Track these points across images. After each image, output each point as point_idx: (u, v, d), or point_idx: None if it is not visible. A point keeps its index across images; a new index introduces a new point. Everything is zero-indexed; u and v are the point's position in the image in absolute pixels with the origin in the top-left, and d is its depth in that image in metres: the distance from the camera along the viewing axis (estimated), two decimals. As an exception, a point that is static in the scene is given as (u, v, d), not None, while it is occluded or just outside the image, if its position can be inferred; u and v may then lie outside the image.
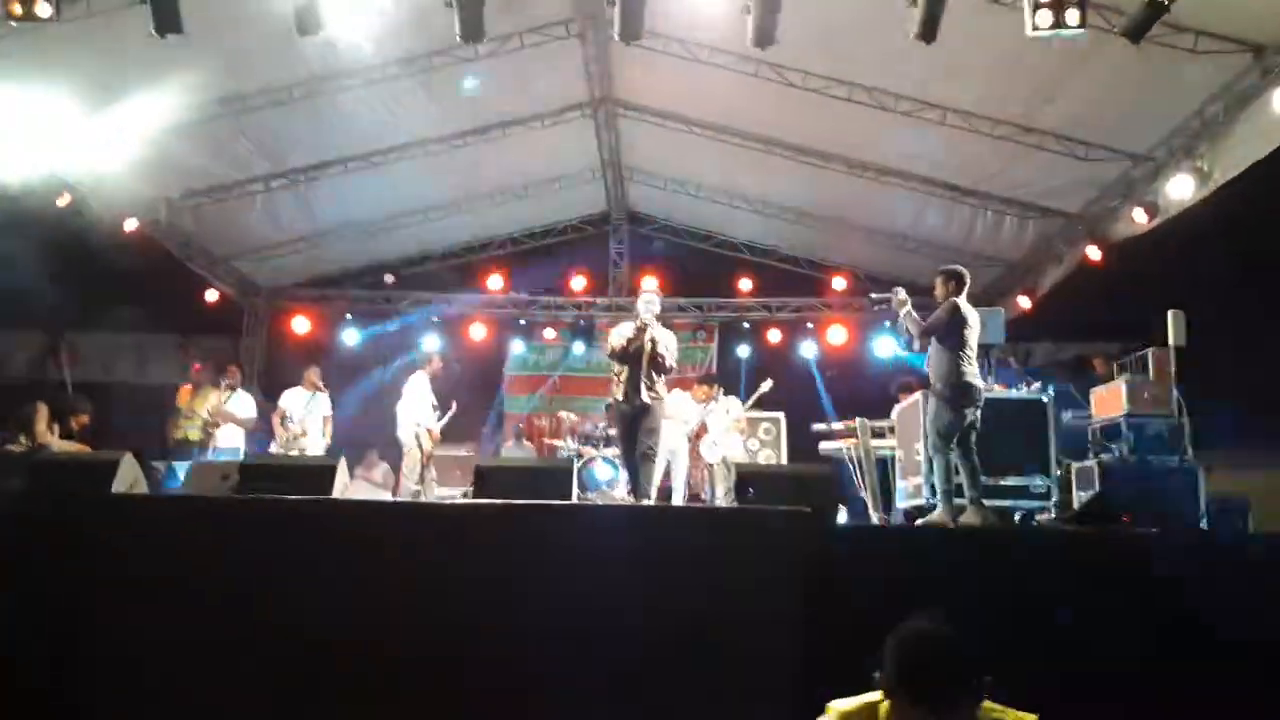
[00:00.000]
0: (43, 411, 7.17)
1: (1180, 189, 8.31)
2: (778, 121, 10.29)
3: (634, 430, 7.12)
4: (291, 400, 9.70)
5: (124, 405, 11.51)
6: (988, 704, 2.19)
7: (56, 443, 7.09)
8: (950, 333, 6.11)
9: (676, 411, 10.02)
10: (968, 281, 6.41)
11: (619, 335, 7.24)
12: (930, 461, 6.35)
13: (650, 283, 7.41)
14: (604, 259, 13.90)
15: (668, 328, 7.49)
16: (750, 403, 10.05)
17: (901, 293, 6.57)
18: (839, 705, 2.32)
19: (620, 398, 7.18)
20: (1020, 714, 2.21)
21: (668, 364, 7.15)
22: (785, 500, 4.48)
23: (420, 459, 9.08)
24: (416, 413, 9.21)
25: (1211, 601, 3.94)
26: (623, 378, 7.16)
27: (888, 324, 13.06)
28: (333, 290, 13.72)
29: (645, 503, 6.96)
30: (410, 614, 3.77)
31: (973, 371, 6.09)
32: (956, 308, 6.18)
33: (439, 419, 9.48)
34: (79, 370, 12.07)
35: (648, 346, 7.09)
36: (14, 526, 4.51)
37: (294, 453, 9.22)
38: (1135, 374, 7.63)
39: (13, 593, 4.21)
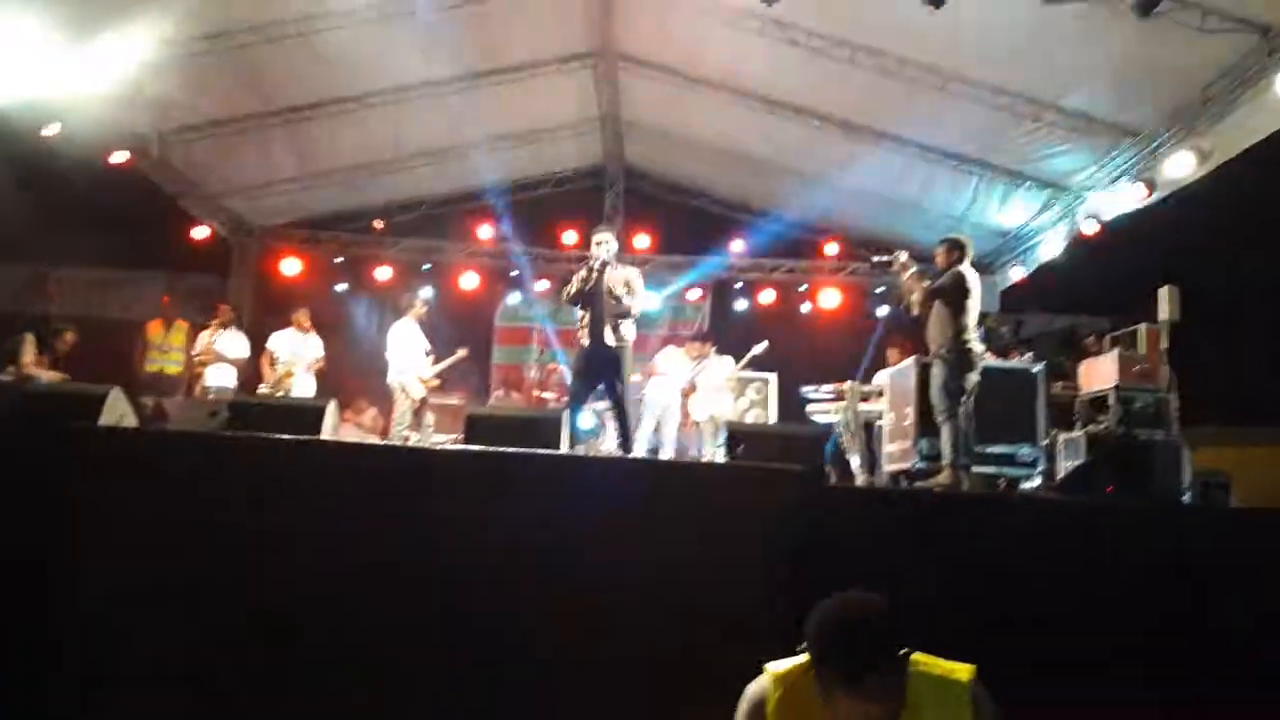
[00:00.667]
0: (29, 342, 7.11)
1: (1179, 166, 8.30)
2: (779, 81, 10.17)
3: (598, 374, 6.94)
4: (280, 342, 9.65)
5: (110, 341, 11.42)
6: (918, 655, 2.17)
7: (44, 373, 7.04)
8: (955, 299, 6.16)
9: (668, 368, 10.02)
10: (970, 250, 6.45)
11: (575, 279, 7.07)
12: (922, 429, 6.41)
13: (605, 226, 7.21)
14: (598, 213, 13.79)
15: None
16: (744, 364, 10.04)
17: (904, 255, 6.63)
18: (774, 667, 2.29)
19: (585, 342, 6.99)
20: (952, 664, 2.19)
21: (625, 303, 6.94)
22: (774, 459, 4.50)
23: (411, 406, 9.05)
24: (406, 359, 9.16)
25: (1192, 575, 4.00)
26: (585, 320, 6.99)
27: (883, 288, 13.13)
28: (323, 233, 13.58)
29: (633, 455, 6.94)
30: (394, 556, 3.77)
31: (975, 337, 6.18)
32: (963, 276, 6.25)
33: (434, 365, 9.44)
34: (64, 305, 11.95)
35: (609, 290, 6.92)
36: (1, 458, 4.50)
37: (280, 394, 9.18)
38: (1126, 348, 7.67)
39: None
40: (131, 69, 8.41)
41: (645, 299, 7.29)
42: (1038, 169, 10.26)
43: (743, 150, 12.22)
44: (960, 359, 6.06)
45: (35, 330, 7.33)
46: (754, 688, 2.30)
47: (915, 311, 6.43)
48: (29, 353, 7.12)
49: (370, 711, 3.57)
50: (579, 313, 7.08)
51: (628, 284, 7.01)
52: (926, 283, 6.46)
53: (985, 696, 2.16)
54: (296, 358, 9.59)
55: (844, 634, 2.09)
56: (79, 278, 12.95)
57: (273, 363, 9.53)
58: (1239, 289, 9.98)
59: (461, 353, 10.14)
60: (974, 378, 6.10)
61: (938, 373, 6.16)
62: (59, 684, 3.57)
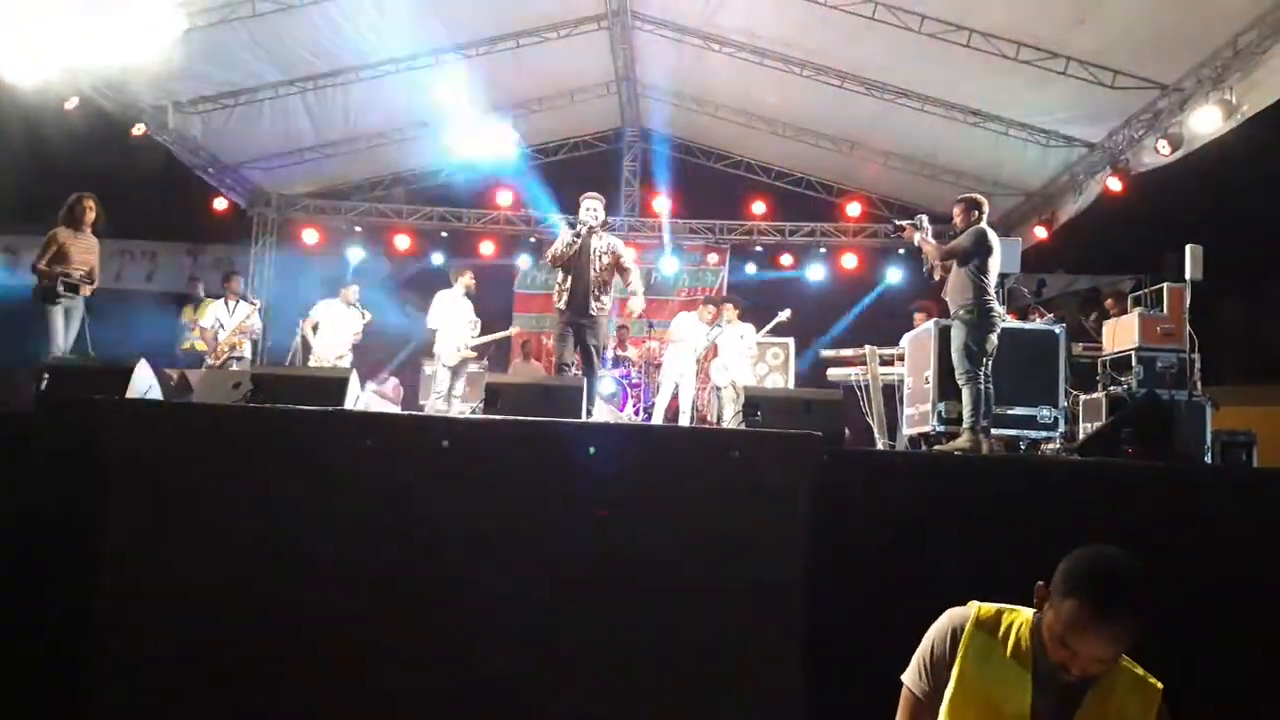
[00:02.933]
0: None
1: (1206, 121, 8.16)
2: (798, 39, 10.06)
3: (574, 340, 6.88)
4: (327, 310, 9.63)
5: (135, 312, 11.55)
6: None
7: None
8: (974, 258, 6.13)
9: (683, 335, 10.01)
10: (987, 209, 6.42)
11: (560, 241, 6.99)
12: (941, 392, 6.40)
13: (593, 193, 7.13)
14: (617, 176, 13.74)
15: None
16: (767, 330, 10.05)
17: (924, 220, 6.64)
18: (980, 605, 2.34)
19: (563, 307, 6.92)
20: (1144, 672, 2.21)
21: (624, 265, 6.93)
22: (793, 424, 4.50)
23: (447, 373, 9.09)
24: (446, 328, 9.16)
25: (1214, 536, 3.99)
26: (565, 286, 6.92)
27: (902, 250, 13.05)
28: (342, 202, 13.61)
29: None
30: (412, 524, 3.81)
31: (994, 297, 6.15)
32: (984, 234, 6.20)
33: (479, 336, 9.47)
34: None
35: (594, 256, 6.86)
36: (28, 431, 4.58)
37: (311, 363, 9.23)
38: (1149, 307, 7.60)
39: (26, 498, 4.30)
40: (149, 41, 8.41)
41: (637, 274, 7.21)
42: (1061, 126, 10.11)
43: (762, 111, 12.11)
44: (982, 320, 6.02)
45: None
46: (956, 612, 2.35)
47: (938, 275, 6.40)
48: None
49: (384, 674, 3.63)
50: (560, 276, 7.00)
51: (613, 252, 6.97)
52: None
53: (1168, 715, 2.18)
54: (336, 329, 9.58)
55: (1110, 570, 2.10)
56: (104, 249, 13.01)
57: (315, 329, 9.57)
58: (1261, 246, 9.84)
59: (513, 330, 10.15)
60: (994, 339, 6.07)
61: (958, 334, 6.11)
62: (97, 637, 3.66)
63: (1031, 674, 2.19)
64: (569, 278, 6.92)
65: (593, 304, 6.87)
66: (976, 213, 6.34)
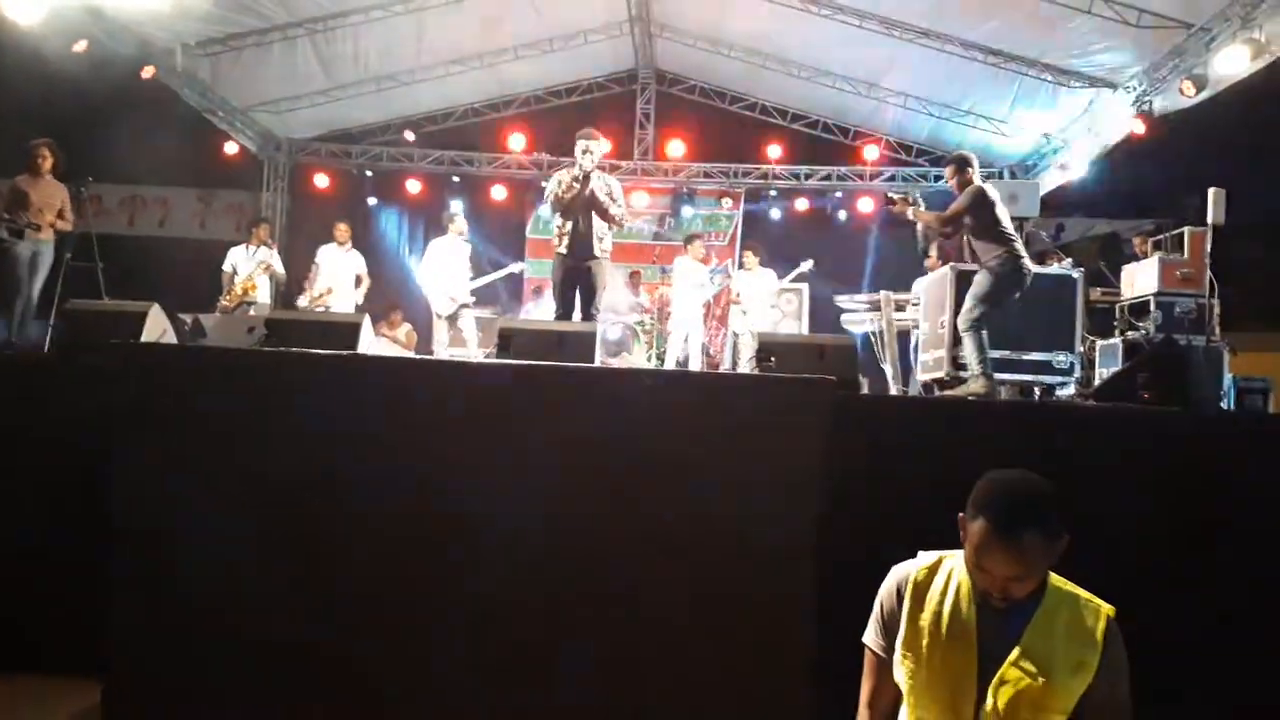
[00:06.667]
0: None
1: (1232, 61, 7.97)
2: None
3: (575, 285, 6.78)
4: (326, 255, 9.69)
5: (148, 257, 11.58)
6: (1056, 578, 2.22)
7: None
8: (983, 213, 5.99)
9: (683, 277, 9.96)
10: (977, 163, 6.30)
11: (557, 183, 6.83)
12: (956, 337, 6.33)
13: (588, 131, 6.92)
14: (631, 119, 13.57)
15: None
16: (789, 279, 10.02)
17: (916, 194, 6.52)
18: (925, 553, 2.38)
19: (564, 252, 6.79)
20: (1091, 596, 2.22)
21: (613, 213, 6.75)
22: (807, 370, 4.48)
23: (440, 323, 9.07)
24: (434, 276, 9.13)
25: (1231, 482, 3.97)
26: (565, 230, 6.79)
27: (919, 195, 12.89)
28: (353, 146, 13.52)
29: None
30: (425, 472, 3.82)
31: (1023, 251, 5.97)
32: (981, 190, 6.04)
33: (475, 280, 9.42)
34: (102, 221, 12.07)
35: (592, 197, 6.70)
36: (42, 376, 4.61)
37: (320, 309, 9.25)
38: (1169, 252, 7.50)
39: (41, 440, 4.35)
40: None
41: (626, 210, 7.06)
42: (1083, 66, 9.90)
43: (778, 52, 11.91)
44: (1013, 273, 5.88)
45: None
46: (901, 566, 2.40)
47: (933, 251, 6.29)
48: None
49: (397, 626, 3.67)
50: (559, 220, 6.87)
51: (610, 194, 6.82)
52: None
53: (1118, 638, 2.17)
54: (339, 270, 9.62)
55: (1008, 488, 2.17)
56: (112, 195, 13.05)
57: (315, 276, 9.59)
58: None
59: (515, 267, 10.12)
60: (1016, 296, 5.95)
61: (982, 280, 5.97)
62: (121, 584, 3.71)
63: (975, 605, 2.22)
64: (569, 222, 6.80)
65: (596, 246, 6.77)
66: (968, 169, 6.19)
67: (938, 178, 12.98)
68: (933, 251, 7.60)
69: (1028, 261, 6.04)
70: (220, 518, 3.70)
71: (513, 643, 3.61)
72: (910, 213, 6.51)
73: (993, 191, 6.11)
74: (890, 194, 6.83)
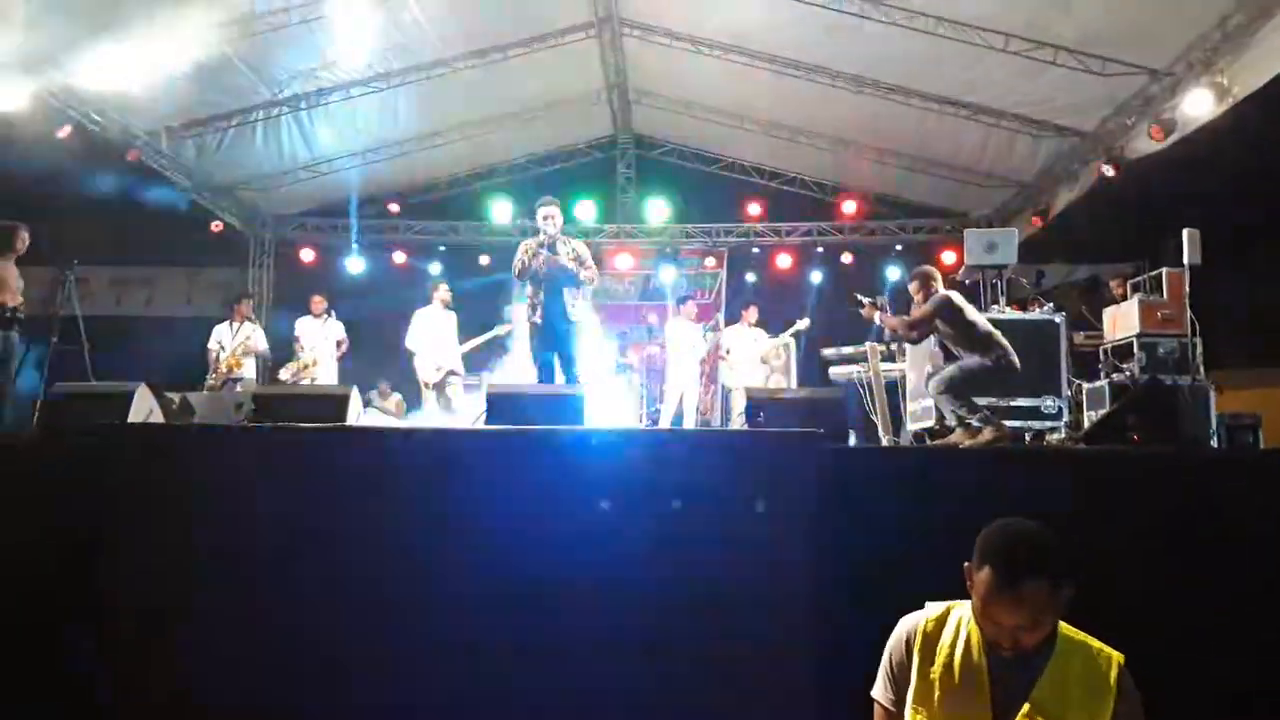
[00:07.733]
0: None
1: (1198, 105, 8.13)
2: (786, 41, 10.06)
3: (553, 350, 6.80)
4: (305, 328, 9.72)
5: (135, 338, 11.56)
6: (1066, 627, 2.21)
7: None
8: (952, 323, 6.02)
9: (678, 339, 10.02)
10: (938, 275, 6.34)
11: (523, 251, 6.92)
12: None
13: (547, 198, 7.05)
14: (611, 185, 13.75)
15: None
16: (783, 338, 10.08)
17: (881, 299, 6.64)
18: (931, 605, 2.37)
19: (538, 321, 6.84)
20: (1102, 645, 2.21)
21: (582, 276, 6.81)
22: (797, 424, 4.49)
23: (428, 392, 9.08)
24: (420, 345, 9.15)
25: (1224, 518, 3.97)
26: (538, 299, 6.83)
27: (899, 247, 13.07)
28: (338, 218, 13.63)
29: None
30: (415, 537, 3.80)
31: (1005, 346, 5.91)
32: (948, 298, 6.06)
33: (464, 345, 9.44)
34: (89, 303, 12.08)
35: (561, 263, 6.78)
36: (31, 458, 4.57)
37: (305, 381, 9.26)
38: (1148, 293, 7.58)
39: (32, 524, 4.29)
40: (137, 67, 8.44)
41: (595, 272, 7.13)
42: (1053, 115, 10.10)
43: (754, 113, 12.12)
44: (995, 370, 5.87)
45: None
46: (908, 618, 2.39)
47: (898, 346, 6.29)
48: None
49: (390, 682, 3.62)
50: (529, 289, 6.93)
51: (577, 258, 6.88)
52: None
53: (1131, 685, 2.17)
54: (320, 342, 9.65)
55: (1009, 538, 2.16)
56: (99, 276, 13.07)
57: (299, 349, 9.61)
58: (1258, 227, 9.81)
59: (502, 328, 10.21)
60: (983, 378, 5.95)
61: (969, 364, 5.92)
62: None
63: (985, 656, 2.21)
64: (539, 290, 6.86)
65: (568, 309, 6.82)
66: (932, 282, 6.23)
67: (916, 229, 13.20)
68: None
69: (1013, 358, 5.93)
70: (209, 596, 3.66)
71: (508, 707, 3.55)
72: (877, 317, 6.54)
73: (959, 299, 6.12)
74: (857, 295, 6.84)
